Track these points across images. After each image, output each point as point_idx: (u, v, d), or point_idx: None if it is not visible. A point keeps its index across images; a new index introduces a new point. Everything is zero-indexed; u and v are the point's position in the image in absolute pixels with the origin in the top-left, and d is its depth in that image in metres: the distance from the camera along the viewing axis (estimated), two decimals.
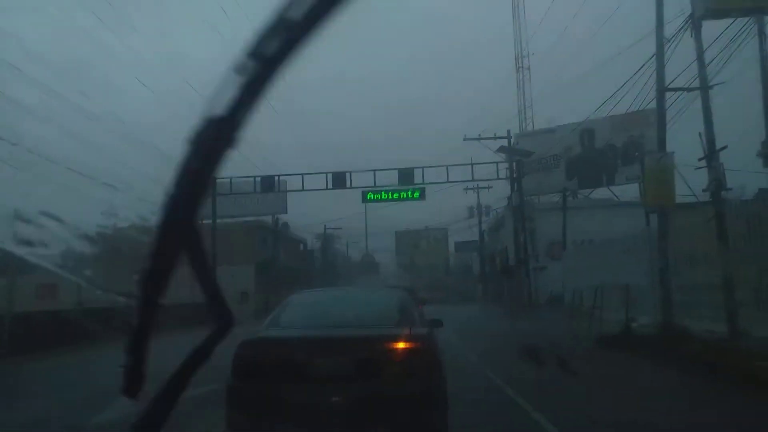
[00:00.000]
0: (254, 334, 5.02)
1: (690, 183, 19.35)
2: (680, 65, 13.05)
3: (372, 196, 29.89)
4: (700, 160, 11.47)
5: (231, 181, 30.05)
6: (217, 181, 30.11)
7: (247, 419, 4.55)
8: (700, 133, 11.33)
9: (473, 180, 31.49)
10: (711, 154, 11.02)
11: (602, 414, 5.98)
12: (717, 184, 11.12)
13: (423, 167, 28.80)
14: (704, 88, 11.56)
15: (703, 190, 12.01)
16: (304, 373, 4.46)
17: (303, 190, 29.62)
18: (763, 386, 5.70)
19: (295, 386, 4.41)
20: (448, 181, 28.91)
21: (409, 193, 29.59)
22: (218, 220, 31.07)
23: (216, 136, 1.10)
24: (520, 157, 30.98)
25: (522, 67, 36.21)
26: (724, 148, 11.04)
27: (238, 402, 4.64)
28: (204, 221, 35.68)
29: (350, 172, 28.69)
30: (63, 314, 16.25)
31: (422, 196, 30.00)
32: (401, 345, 4.68)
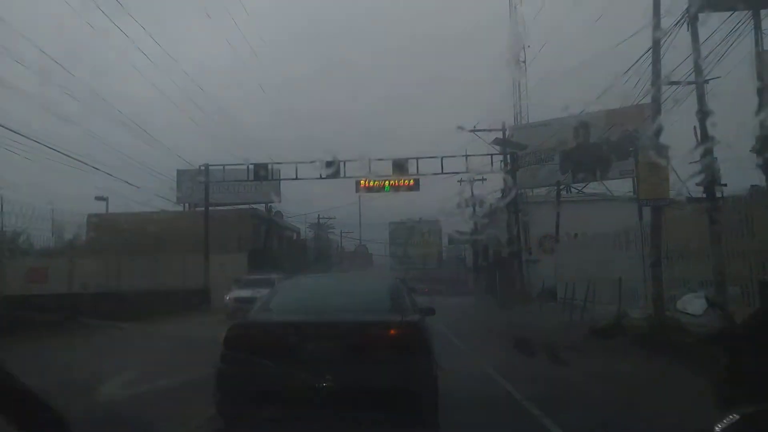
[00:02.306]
0: (244, 318, 4.99)
1: (684, 179, 19.45)
2: (677, 58, 13.06)
3: (366, 183, 29.80)
4: (693, 153, 11.51)
5: (224, 169, 29.86)
6: (210, 167, 29.96)
7: (236, 402, 4.55)
8: (694, 127, 11.37)
9: (467, 172, 31.47)
10: (704, 147, 11.05)
11: (592, 402, 6.01)
12: (710, 178, 11.17)
13: (417, 158, 28.73)
14: (699, 82, 11.57)
15: (697, 185, 12.06)
16: (293, 357, 4.45)
17: (296, 179, 29.47)
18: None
19: (285, 370, 4.39)
20: (442, 172, 28.86)
21: (403, 181, 29.51)
22: (210, 208, 30.93)
23: None
24: (515, 149, 30.95)
25: (517, 59, 36.12)
26: (717, 142, 11.07)
27: (228, 385, 4.64)
28: (197, 208, 35.60)
29: (344, 162, 28.58)
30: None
31: (416, 186, 29.95)
32: (392, 331, 4.68)
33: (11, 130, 15.65)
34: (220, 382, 4.65)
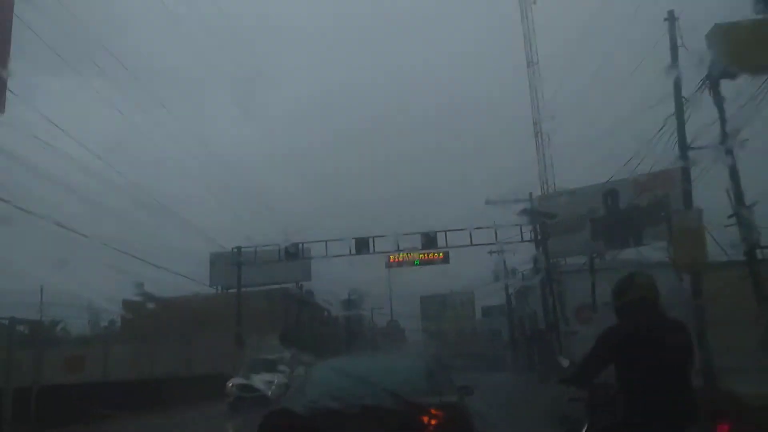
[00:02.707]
0: (278, 405, 4.94)
1: (722, 243, 18.96)
2: (705, 119, 13.04)
3: (395, 258, 29.80)
4: (729, 217, 11.28)
5: (255, 251, 30.30)
6: (242, 250, 30.45)
7: None
8: (727, 190, 11.20)
9: (497, 242, 31.30)
10: (739, 209, 10.84)
11: None
12: (750, 239, 10.89)
13: (446, 230, 28.78)
14: (727, 144, 11.52)
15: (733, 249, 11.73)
16: None
17: (326, 256, 29.68)
18: None
19: None
20: (471, 244, 28.77)
21: (432, 255, 29.45)
22: (243, 289, 31.15)
23: None
24: (543, 218, 30.81)
25: (540, 131, 36.70)
26: (756, 203, 10.86)
27: None
28: (229, 290, 35.89)
29: (373, 237, 28.77)
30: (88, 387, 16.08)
31: (446, 259, 29.82)
32: (430, 414, 4.54)
33: (60, 225, 16.14)
34: None
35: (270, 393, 15.62)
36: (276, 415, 4.79)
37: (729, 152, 11.33)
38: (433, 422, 4.52)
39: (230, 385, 18.03)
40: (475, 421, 4.86)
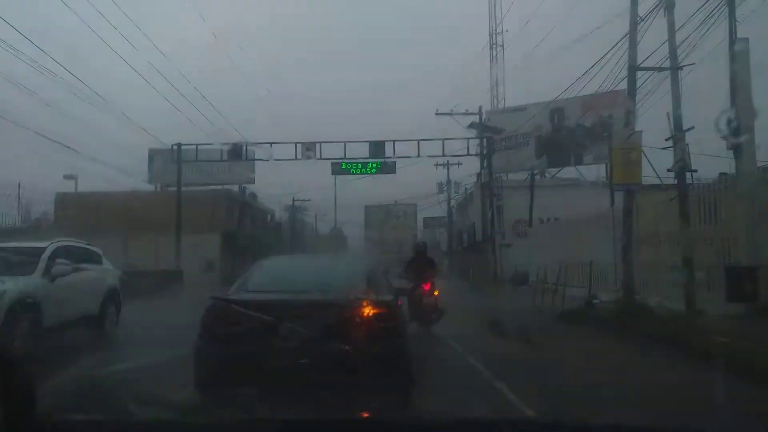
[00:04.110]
0: (222, 296, 5.00)
1: (656, 165, 19.72)
2: (652, 45, 13.12)
3: (345, 166, 29.55)
4: (667, 140, 11.62)
5: (197, 148, 29.29)
6: (183, 147, 29.37)
7: (214, 379, 4.56)
8: (667, 113, 11.45)
9: (444, 156, 31.47)
10: (677, 134, 11.16)
11: (558, 382, 6.13)
12: (682, 164, 11.30)
13: (394, 140, 28.62)
14: (674, 68, 11.65)
15: (668, 170, 12.19)
16: (270, 334, 4.46)
17: (271, 159, 29.13)
18: (713, 359, 6.01)
19: (262, 347, 4.42)
20: (419, 156, 28.81)
21: (380, 165, 29.38)
22: (183, 188, 30.42)
23: None
24: (491, 134, 31.03)
25: (495, 44, 36.02)
26: (691, 128, 11.19)
27: (205, 362, 4.67)
28: (169, 188, 34.97)
29: (320, 143, 28.31)
30: None
31: (393, 170, 29.85)
32: (366, 310, 4.71)
33: None
34: (197, 359, 4.70)
35: None
36: (218, 305, 4.84)
37: (674, 75, 11.47)
38: (368, 315, 4.70)
39: None
40: (406, 320, 5.10)
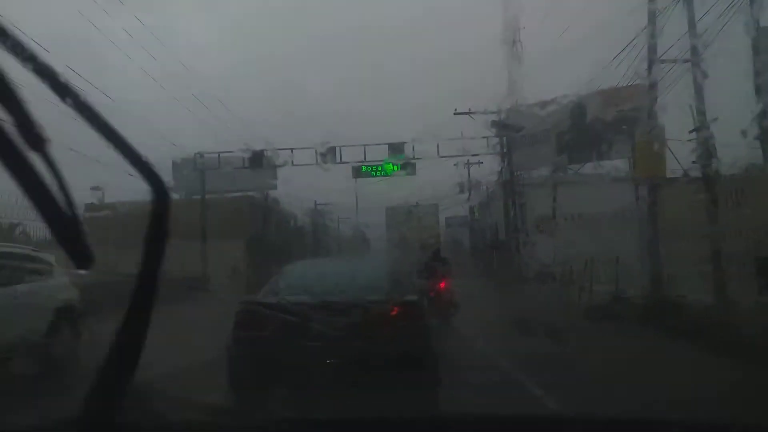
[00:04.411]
0: (252, 300, 5.17)
1: (680, 158, 19.43)
2: (674, 36, 12.98)
3: (366, 169, 29.71)
4: (690, 132, 11.51)
5: (219, 156, 29.72)
6: (205, 156, 29.84)
7: (247, 379, 4.77)
8: (690, 106, 11.35)
9: (464, 155, 31.46)
10: (701, 126, 11.05)
11: (585, 376, 6.13)
12: (706, 156, 11.18)
13: (413, 142, 28.69)
14: (695, 60, 11.54)
15: (693, 162, 12.06)
16: (299, 335, 4.61)
17: (292, 165, 29.41)
18: (745, 353, 5.96)
19: (291, 348, 4.56)
20: (438, 156, 28.84)
21: (400, 167, 29.46)
22: (207, 196, 30.87)
23: None
24: (510, 131, 30.92)
25: (514, 40, 35.84)
26: (715, 119, 11.07)
27: (239, 363, 4.85)
28: (192, 197, 35.51)
29: (340, 147, 28.51)
30: None
31: (413, 171, 29.93)
32: (392, 310, 4.80)
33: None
34: (231, 359, 4.89)
35: None
36: (249, 308, 5.01)
37: (696, 67, 11.36)
38: (394, 315, 4.80)
39: None
40: (430, 319, 5.19)
